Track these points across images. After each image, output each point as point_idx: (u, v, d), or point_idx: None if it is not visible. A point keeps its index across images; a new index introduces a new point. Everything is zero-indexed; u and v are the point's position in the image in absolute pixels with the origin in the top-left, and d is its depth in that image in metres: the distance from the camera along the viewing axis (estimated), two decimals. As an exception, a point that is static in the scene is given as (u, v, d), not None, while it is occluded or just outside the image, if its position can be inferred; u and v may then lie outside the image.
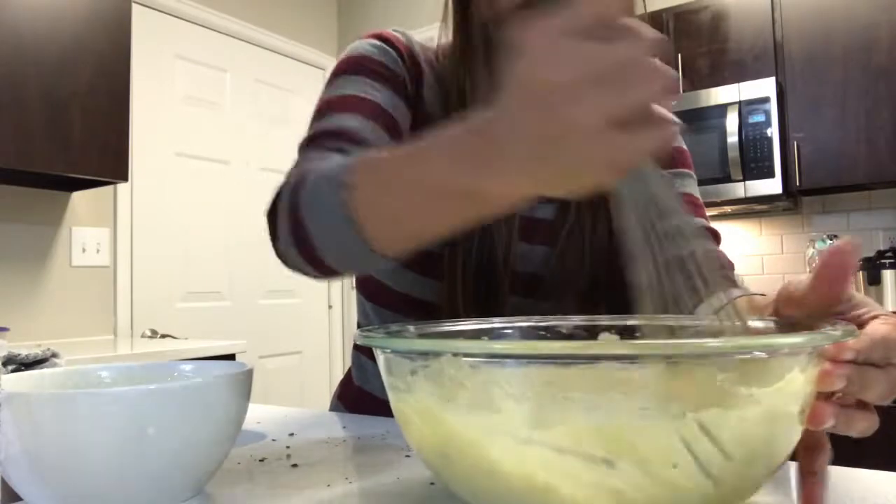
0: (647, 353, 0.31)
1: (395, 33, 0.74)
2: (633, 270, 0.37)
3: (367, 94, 0.68)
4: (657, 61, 0.33)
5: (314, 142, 0.64)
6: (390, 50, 0.72)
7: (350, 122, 0.65)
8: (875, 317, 0.38)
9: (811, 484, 0.37)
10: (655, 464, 0.30)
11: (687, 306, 0.38)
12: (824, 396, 0.35)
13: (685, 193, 0.77)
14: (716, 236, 0.75)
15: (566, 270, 0.70)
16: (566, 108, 0.32)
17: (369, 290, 0.78)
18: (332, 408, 0.86)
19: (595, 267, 0.70)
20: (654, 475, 0.30)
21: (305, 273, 0.58)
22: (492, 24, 0.69)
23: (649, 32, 0.33)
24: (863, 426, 0.37)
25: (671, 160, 0.78)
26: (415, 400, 0.36)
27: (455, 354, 0.33)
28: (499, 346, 0.36)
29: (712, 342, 0.31)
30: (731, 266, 0.72)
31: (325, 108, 0.67)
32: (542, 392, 0.31)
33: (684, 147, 0.82)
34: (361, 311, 0.81)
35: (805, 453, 0.38)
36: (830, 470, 0.38)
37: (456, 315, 0.66)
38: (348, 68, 0.70)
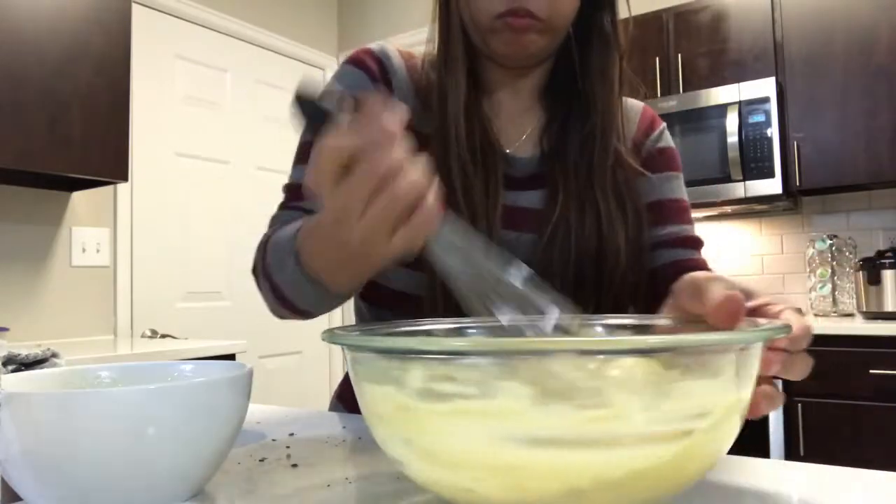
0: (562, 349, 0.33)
1: (371, 48, 0.78)
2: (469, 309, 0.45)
3: None
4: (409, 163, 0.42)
5: (287, 193, 0.75)
6: (360, 73, 0.76)
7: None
8: (782, 310, 0.45)
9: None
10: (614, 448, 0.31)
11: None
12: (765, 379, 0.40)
13: (673, 199, 0.79)
14: (696, 243, 0.78)
15: (553, 261, 0.70)
16: (351, 221, 0.43)
17: (363, 289, 0.78)
18: (332, 408, 0.86)
19: (582, 259, 0.71)
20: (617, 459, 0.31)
21: (291, 318, 0.68)
22: (473, 35, 0.72)
23: (391, 123, 0.42)
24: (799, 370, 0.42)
25: (659, 162, 0.80)
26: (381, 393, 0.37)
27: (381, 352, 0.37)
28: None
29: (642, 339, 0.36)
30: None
31: (297, 155, 0.76)
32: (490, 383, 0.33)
33: (672, 145, 0.83)
34: (357, 311, 0.83)
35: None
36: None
37: (436, 309, 0.67)
38: None
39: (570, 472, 0.31)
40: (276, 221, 0.73)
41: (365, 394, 0.37)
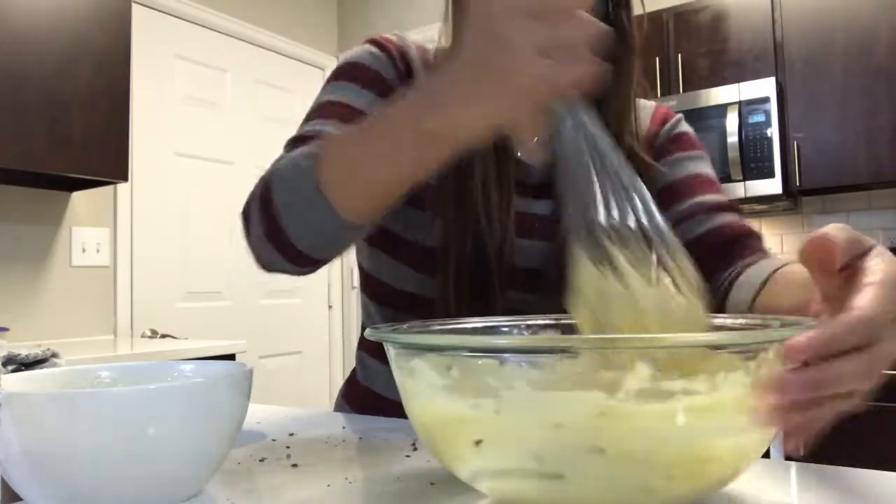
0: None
1: (390, 38, 0.77)
2: (565, 211, 0.41)
3: (352, 101, 0.71)
4: (586, 16, 0.39)
5: (294, 143, 0.67)
6: (383, 55, 0.75)
7: (329, 127, 0.68)
8: (866, 284, 0.35)
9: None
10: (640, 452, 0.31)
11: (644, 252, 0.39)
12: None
13: (697, 174, 0.77)
14: (735, 210, 0.75)
15: (566, 266, 0.70)
16: (502, 30, 0.39)
17: (373, 290, 0.79)
18: (337, 408, 0.86)
19: None
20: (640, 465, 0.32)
21: (279, 268, 0.61)
22: None
23: None
24: (824, 422, 0.35)
25: (677, 146, 0.78)
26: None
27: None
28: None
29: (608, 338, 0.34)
30: (758, 236, 0.72)
31: (311, 114, 0.71)
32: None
33: (691, 131, 0.81)
34: (365, 311, 0.82)
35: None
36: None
37: (448, 312, 0.67)
38: (340, 75, 0.75)
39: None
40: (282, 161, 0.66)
41: (546, 404, 0.33)
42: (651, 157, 0.76)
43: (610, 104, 0.72)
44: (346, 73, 0.74)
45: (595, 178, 0.40)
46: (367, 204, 0.54)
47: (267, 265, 0.62)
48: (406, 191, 0.52)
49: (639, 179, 0.41)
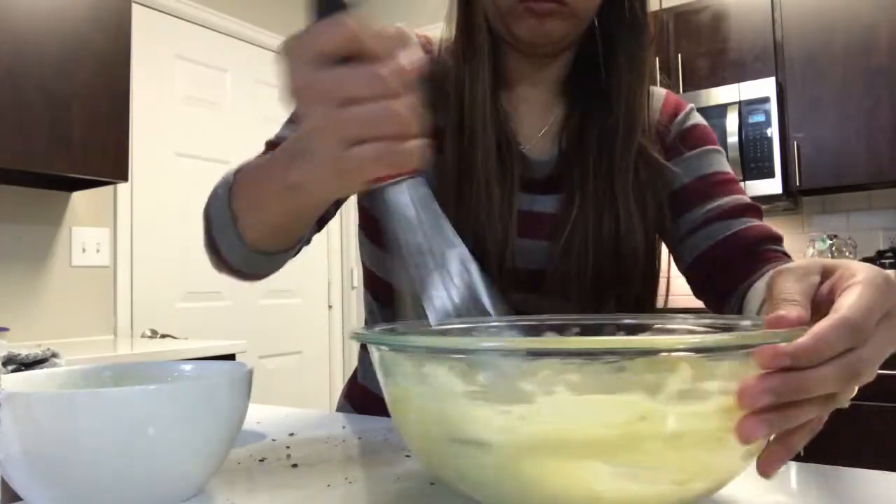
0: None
1: None
2: (394, 275, 0.43)
3: None
4: (402, 96, 0.38)
5: (269, 147, 0.70)
6: None
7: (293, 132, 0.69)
8: (847, 287, 0.35)
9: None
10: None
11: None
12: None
13: (714, 172, 0.74)
14: (754, 211, 0.72)
15: (570, 266, 0.68)
16: (306, 114, 0.40)
17: (375, 289, 0.78)
18: (340, 407, 0.86)
19: (600, 262, 0.68)
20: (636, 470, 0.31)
21: (225, 273, 0.66)
22: (494, 22, 0.69)
23: (391, 66, 0.38)
24: (803, 435, 0.34)
25: (690, 140, 0.75)
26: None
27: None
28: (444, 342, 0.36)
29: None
30: (777, 239, 0.70)
31: (288, 117, 0.72)
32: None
33: (704, 122, 0.78)
34: (368, 310, 0.82)
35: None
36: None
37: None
38: None
39: None
40: None
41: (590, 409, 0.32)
42: (662, 152, 0.73)
43: (620, 96, 0.70)
44: None
45: (425, 258, 0.41)
46: (264, 239, 0.58)
47: (215, 268, 0.67)
48: (302, 228, 0.57)
49: (469, 259, 0.42)
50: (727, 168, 0.75)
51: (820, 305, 0.37)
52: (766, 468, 0.34)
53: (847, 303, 0.33)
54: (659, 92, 0.79)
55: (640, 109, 0.70)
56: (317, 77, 0.38)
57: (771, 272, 0.40)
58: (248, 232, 0.58)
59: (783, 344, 0.31)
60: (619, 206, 0.68)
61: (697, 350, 0.32)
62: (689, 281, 0.74)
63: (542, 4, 0.64)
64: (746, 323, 0.45)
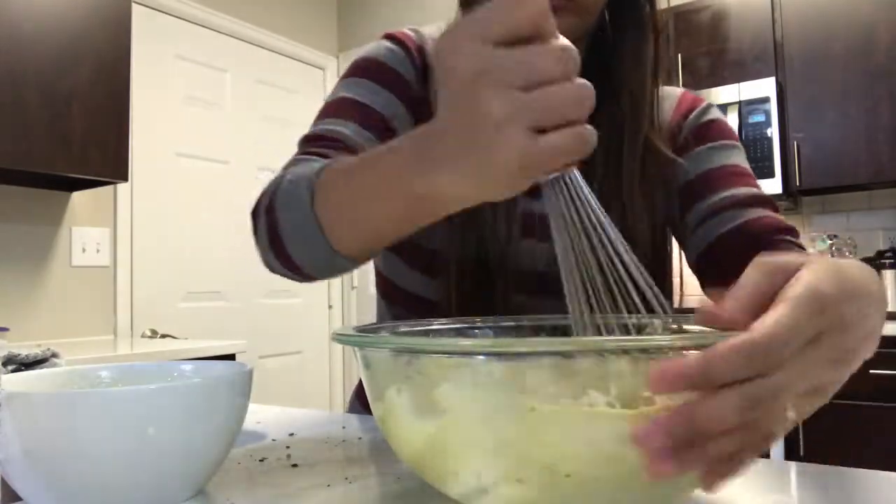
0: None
1: (407, 33, 0.75)
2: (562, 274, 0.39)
3: (366, 100, 0.69)
4: (573, 82, 0.34)
5: (306, 143, 0.66)
6: (400, 52, 0.73)
7: (341, 127, 0.66)
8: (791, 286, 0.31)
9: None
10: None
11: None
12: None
13: (728, 165, 0.72)
14: (767, 203, 0.69)
15: (573, 268, 0.68)
16: (486, 97, 0.34)
17: (383, 290, 0.79)
18: (350, 407, 0.85)
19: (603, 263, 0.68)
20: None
21: (280, 273, 0.60)
22: None
23: (564, 48, 0.34)
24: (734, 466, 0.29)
25: (707, 135, 0.74)
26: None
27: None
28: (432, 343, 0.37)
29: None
30: (790, 231, 0.67)
31: (327, 108, 0.69)
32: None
33: (722, 118, 0.77)
34: (378, 310, 0.82)
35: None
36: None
37: (450, 312, 0.66)
38: (356, 72, 0.72)
39: None
40: (292, 166, 0.63)
41: None
42: (674, 148, 0.72)
43: (626, 91, 0.69)
44: (363, 69, 0.72)
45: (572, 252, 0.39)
46: (359, 245, 0.53)
47: (270, 268, 0.61)
48: (400, 238, 0.52)
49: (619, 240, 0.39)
50: (744, 163, 0.73)
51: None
52: (708, 485, 0.30)
53: (765, 321, 0.29)
54: (674, 92, 0.78)
55: (647, 105, 0.69)
56: (498, 60, 0.33)
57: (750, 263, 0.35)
58: (342, 242, 0.52)
59: (677, 363, 0.28)
60: (625, 202, 0.67)
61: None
62: (696, 274, 0.72)
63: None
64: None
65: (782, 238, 0.65)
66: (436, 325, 0.52)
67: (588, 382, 0.32)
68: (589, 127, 0.35)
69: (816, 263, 0.33)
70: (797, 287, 0.31)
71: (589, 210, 0.38)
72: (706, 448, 0.28)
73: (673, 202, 0.72)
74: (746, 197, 0.68)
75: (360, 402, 0.84)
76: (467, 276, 0.68)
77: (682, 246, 0.74)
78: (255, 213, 0.61)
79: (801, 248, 0.66)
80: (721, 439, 0.28)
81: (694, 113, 0.75)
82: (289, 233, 0.55)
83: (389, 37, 0.75)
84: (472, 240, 0.68)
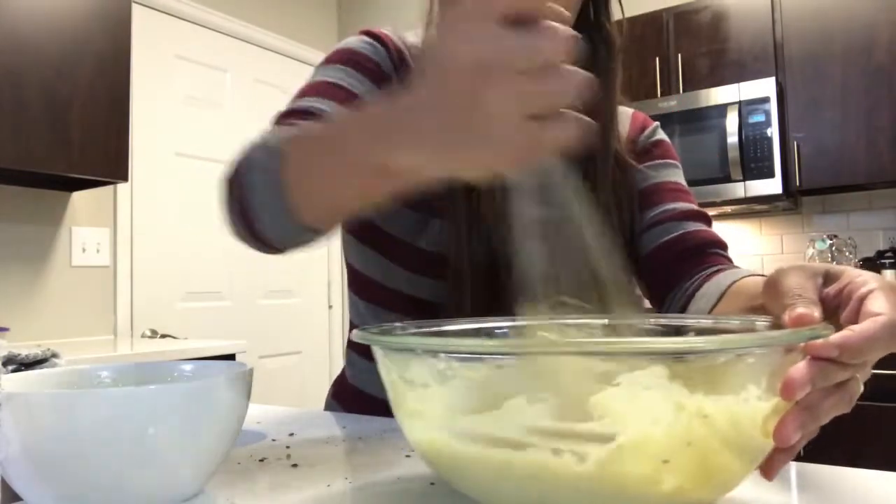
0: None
1: (385, 31, 0.76)
2: (520, 261, 0.40)
3: (347, 84, 0.69)
4: (572, 67, 0.34)
5: (282, 118, 0.64)
6: (380, 47, 0.73)
7: (321, 105, 0.65)
8: (870, 291, 0.37)
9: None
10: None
11: (589, 297, 0.42)
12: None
13: (671, 182, 0.79)
14: (704, 218, 0.76)
15: (560, 271, 0.69)
16: (484, 90, 0.33)
17: (360, 287, 0.78)
18: (328, 406, 0.85)
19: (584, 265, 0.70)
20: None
21: (248, 244, 0.59)
22: None
23: (568, 31, 0.33)
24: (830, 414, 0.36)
25: (654, 153, 0.80)
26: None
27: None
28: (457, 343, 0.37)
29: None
30: (723, 245, 0.74)
31: (302, 92, 0.69)
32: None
33: (667, 139, 0.83)
34: (354, 310, 0.81)
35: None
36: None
37: (461, 313, 0.66)
38: (336, 59, 0.72)
39: None
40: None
41: None
42: (633, 159, 0.78)
43: (592, 108, 0.71)
44: (342, 58, 0.71)
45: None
46: (324, 217, 0.52)
47: (237, 237, 0.59)
48: (366, 209, 0.51)
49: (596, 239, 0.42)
50: (682, 181, 0.80)
51: (825, 309, 0.38)
52: (770, 471, 0.36)
53: (885, 307, 0.36)
54: (626, 110, 0.83)
55: (612, 118, 0.74)
56: (501, 43, 0.32)
57: (775, 270, 0.41)
58: (306, 211, 0.51)
59: (831, 337, 0.34)
60: (601, 210, 0.71)
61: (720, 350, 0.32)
62: (638, 281, 0.77)
63: None
64: (735, 322, 0.45)
65: (715, 252, 0.72)
66: (490, 324, 0.51)
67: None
68: (583, 116, 0.35)
69: (846, 268, 0.40)
70: (872, 282, 0.38)
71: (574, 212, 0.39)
72: (826, 411, 0.35)
73: (634, 208, 0.77)
74: (683, 211, 0.75)
75: (337, 402, 0.83)
76: (477, 281, 0.69)
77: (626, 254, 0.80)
78: (228, 181, 0.58)
79: (730, 260, 0.73)
80: (833, 406, 0.35)
81: (647, 131, 0.82)
82: (259, 204, 0.53)
83: (367, 33, 0.75)
84: (483, 242, 0.69)
